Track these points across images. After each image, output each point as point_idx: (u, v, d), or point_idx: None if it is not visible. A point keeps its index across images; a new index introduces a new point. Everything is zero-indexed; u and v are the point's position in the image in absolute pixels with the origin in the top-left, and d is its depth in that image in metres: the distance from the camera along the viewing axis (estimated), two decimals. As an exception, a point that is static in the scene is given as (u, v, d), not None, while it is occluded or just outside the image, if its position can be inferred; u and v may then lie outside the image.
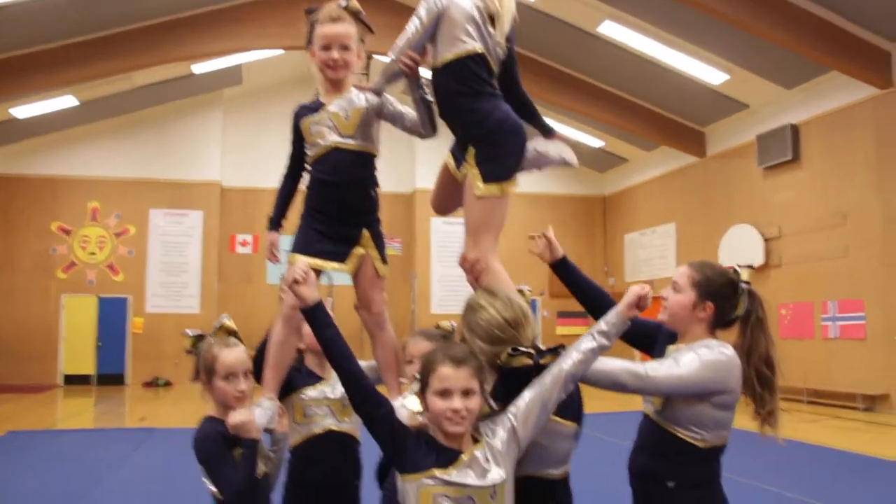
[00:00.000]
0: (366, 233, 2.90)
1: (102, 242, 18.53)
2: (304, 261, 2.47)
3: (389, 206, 19.64)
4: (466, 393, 1.98)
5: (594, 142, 19.11)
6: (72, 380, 17.94)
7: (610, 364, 2.30)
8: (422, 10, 2.76)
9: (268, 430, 2.67)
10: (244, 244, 19.69)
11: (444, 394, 1.98)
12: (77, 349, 18.11)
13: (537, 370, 2.13)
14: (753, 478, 6.58)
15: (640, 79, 15.26)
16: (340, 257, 2.84)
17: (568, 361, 2.12)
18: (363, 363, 2.98)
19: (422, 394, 2.05)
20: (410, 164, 20.15)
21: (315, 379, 3.03)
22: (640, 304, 2.20)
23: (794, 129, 13.88)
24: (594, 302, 2.78)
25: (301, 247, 2.81)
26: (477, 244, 2.74)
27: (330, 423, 2.97)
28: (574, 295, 2.82)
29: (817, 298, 13.23)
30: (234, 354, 2.56)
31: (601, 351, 2.16)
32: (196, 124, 19.22)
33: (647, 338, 2.74)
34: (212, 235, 19.09)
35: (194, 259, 18.86)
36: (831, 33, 11.70)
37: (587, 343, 2.14)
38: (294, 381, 2.98)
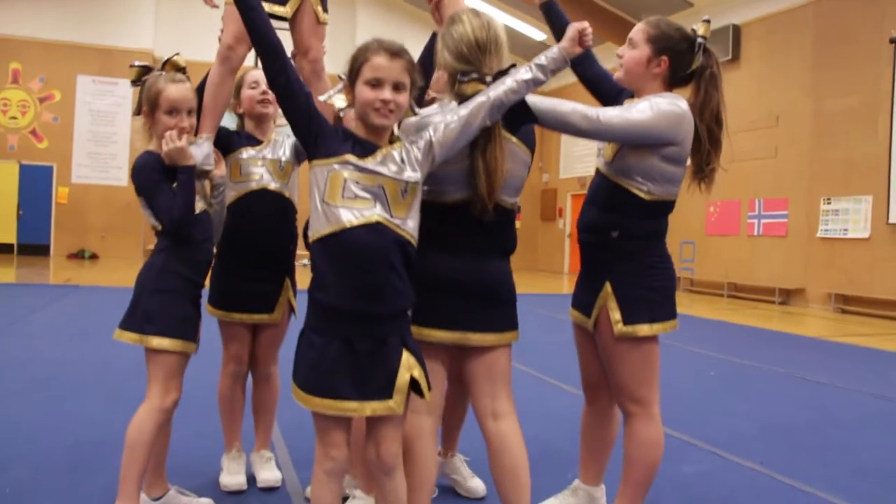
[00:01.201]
0: None
1: (25, 107, 17.65)
2: None
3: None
4: (397, 87, 1.99)
5: (537, 34, 18.93)
6: (-9, 248, 17.40)
7: (563, 105, 2.33)
8: None
9: (205, 174, 2.66)
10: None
11: (376, 84, 1.97)
12: (-4, 216, 17.45)
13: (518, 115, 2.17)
14: (683, 342, 6.98)
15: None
16: (280, 1, 2.86)
17: (500, 88, 2.13)
18: None
19: (350, 85, 2.03)
20: (351, 50, 19.63)
21: (254, 142, 3.02)
22: (581, 40, 2.23)
23: (736, 30, 14.05)
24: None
25: None
26: None
27: (266, 181, 2.97)
28: (556, 38, 2.76)
29: (745, 196, 13.71)
30: (180, 90, 2.50)
31: (535, 85, 2.18)
32: (127, -13, 18.23)
33: (612, 92, 2.76)
34: (142, 107, 18.38)
35: (123, 130, 18.12)
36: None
37: (523, 74, 2.16)
38: (232, 143, 2.97)
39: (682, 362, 6.37)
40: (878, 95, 11.40)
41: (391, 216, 1.98)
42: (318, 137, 2.02)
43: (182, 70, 2.58)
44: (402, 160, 2.03)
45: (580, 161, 19.53)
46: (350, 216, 1.95)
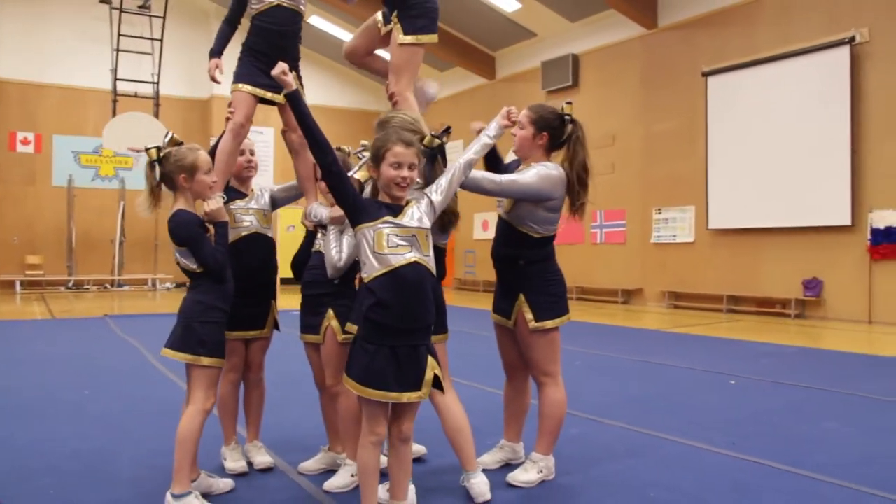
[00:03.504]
0: (293, 73, 3.68)
1: None
2: (283, 63, 3.00)
3: (184, 112, 19.58)
4: (411, 166, 2.83)
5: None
6: None
7: (477, 174, 3.30)
8: None
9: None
10: (25, 142, 18.58)
11: (397, 166, 2.77)
12: None
13: (440, 150, 3.07)
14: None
15: (444, 2, 16.24)
16: (277, 90, 3.60)
17: (468, 154, 3.15)
18: (283, 185, 3.87)
19: (375, 165, 2.84)
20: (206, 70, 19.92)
21: (241, 195, 3.78)
22: (509, 117, 3.35)
23: (575, 59, 15.67)
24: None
25: (246, 78, 3.64)
26: (398, 82, 3.68)
27: (256, 227, 3.73)
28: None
29: (588, 209, 15.23)
30: (205, 154, 3.24)
31: (487, 149, 3.27)
32: (-34, 7, 17.69)
33: (506, 169, 3.75)
34: (-12, 131, 17.88)
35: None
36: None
37: (482, 141, 3.24)
38: (225, 196, 3.65)
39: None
40: (695, 120, 13.23)
41: (423, 255, 2.82)
42: (360, 209, 2.82)
43: (181, 143, 3.26)
44: (419, 214, 2.86)
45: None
46: (396, 259, 2.75)
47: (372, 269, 2.76)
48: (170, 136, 3.25)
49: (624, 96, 14.73)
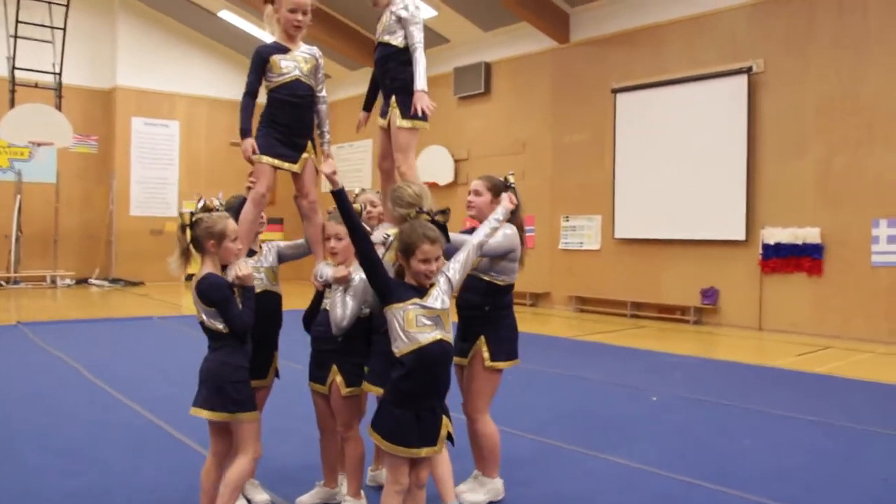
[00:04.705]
0: (309, 143, 4.02)
1: None
2: (332, 161, 3.40)
3: (85, 103, 18.95)
4: (437, 258, 3.19)
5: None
6: None
7: (466, 238, 3.62)
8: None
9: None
10: None
11: (426, 261, 3.14)
12: None
13: (437, 224, 3.32)
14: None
15: (358, 2, 16.38)
16: (294, 160, 3.94)
17: (479, 236, 3.50)
18: (291, 242, 4.09)
19: (405, 258, 3.17)
20: (111, 60, 19.37)
21: (251, 253, 3.97)
22: (512, 201, 3.72)
23: (488, 67, 16.12)
24: None
25: (267, 150, 3.88)
26: (406, 160, 4.07)
27: (266, 284, 3.94)
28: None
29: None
30: (233, 223, 3.47)
31: (495, 231, 3.59)
32: None
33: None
34: None
35: None
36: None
37: (491, 224, 3.57)
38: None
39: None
40: (604, 134, 13.91)
41: (446, 333, 3.16)
42: (391, 291, 3.15)
43: (213, 209, 3.45)
44: (442, 296, 3.18)
45: (344, 176, 20.42)
46: (424, 337, 3.09)
47: (402, 345, 3.10)
48: (202, 202, 3.44)
49: (535, 106, 15.28)
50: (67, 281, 18.01)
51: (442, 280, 3.25)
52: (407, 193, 3.50)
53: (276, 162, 3.88)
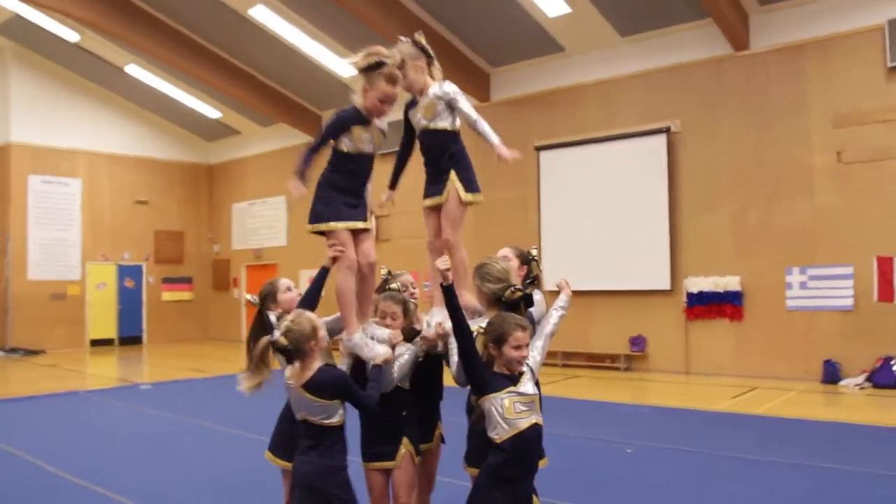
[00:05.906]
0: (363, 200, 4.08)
1: None
2: (448, 259, 3.55)
3: (-23, 160, 17.97)
4: (528, 345, 3.36)
5: (213, 113, 19.71)
6: None
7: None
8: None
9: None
10: None
11: (518, 347, 3.30)
12: None
13: (524, 300, 3.54)
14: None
15: (273, 60, 16.42)
16: (362, 219, 3.98)
17: (550, 326, 3.67)
18: (329, 318, 4.13)
19: (497, 346, 3.31)
20: (3, 114, 18.58)
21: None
22: (566, 288, 3.88)
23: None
24: None
25: (339, 216, 3.89)
26: (455, 232, 4.20)
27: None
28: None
29: (421, 269, 15.93)
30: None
31: (563, 318, 3.76)
32: None
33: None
34: None
35: None
36: (448, 52, 14.23)
37: (559, 313, 3.72)
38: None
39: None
40: (529, 190, 14.42)
41: (539, 416, 3.34)
42: (487, 383, 3.30)
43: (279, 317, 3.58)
44: (532, 382, 3.36)
45: (255, 234, 20.56)
46: (522, 423, 3.26)
47: (503, 432, 3.25)
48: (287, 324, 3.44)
49: (456, 163, 15.60)
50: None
51: (530, 363, 3.43)
52: (496, 269, 3.65)
53: (350, 225, 3.89)
